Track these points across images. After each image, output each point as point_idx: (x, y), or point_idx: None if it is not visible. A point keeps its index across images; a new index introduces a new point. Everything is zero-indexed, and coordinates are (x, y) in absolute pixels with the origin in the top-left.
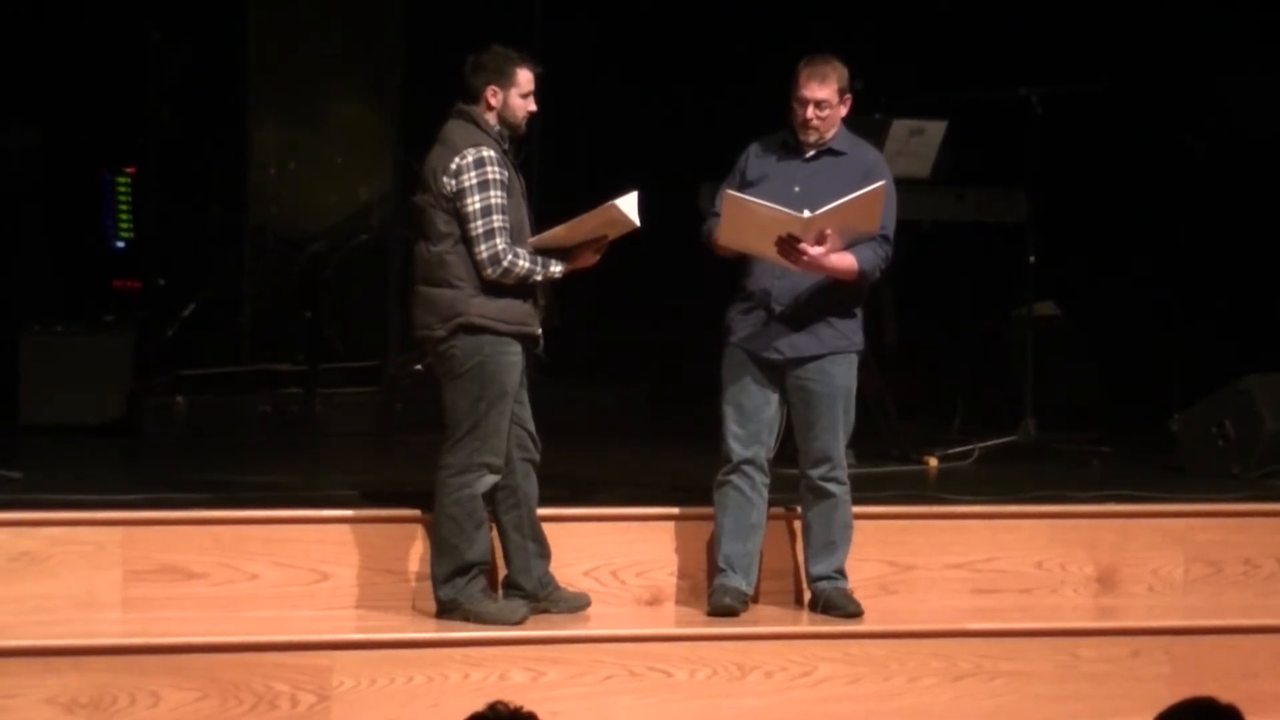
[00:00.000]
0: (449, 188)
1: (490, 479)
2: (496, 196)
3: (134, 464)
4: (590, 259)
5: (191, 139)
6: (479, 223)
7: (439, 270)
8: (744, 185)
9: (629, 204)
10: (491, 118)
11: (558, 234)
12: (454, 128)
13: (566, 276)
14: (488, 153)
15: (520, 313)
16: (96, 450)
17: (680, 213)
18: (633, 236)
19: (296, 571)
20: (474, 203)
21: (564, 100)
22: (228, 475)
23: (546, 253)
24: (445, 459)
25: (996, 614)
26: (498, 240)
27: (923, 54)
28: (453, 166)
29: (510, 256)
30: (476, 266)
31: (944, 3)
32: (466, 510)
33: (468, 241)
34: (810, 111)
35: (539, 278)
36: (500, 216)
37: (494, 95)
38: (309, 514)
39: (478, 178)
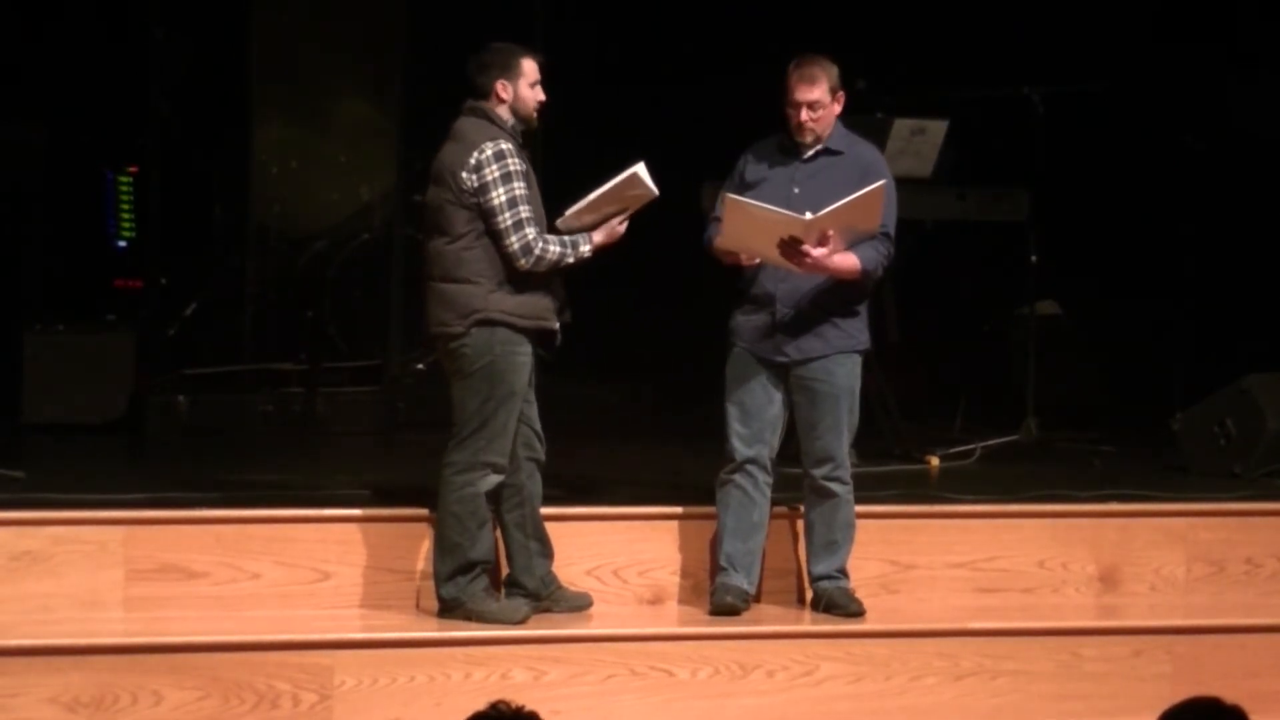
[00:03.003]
0: (470, 183)
1: (494, 478)
2: (520, 188)
3: (136, 463)
4: (616, 232)
5: (194, 137)
6: (506, 215)
7: (458, 267)
8: (743, 187)
9: (642, 172)
10: (504, 111)
11: (580, 213)
12: (468, 124)
13: (595, 254)
14: (506, 145)
15: (539, 308)
16: (98, 449)
17: (682, 212)
18: (639, 233)
19: (298, 571)
20: (499, 196)
21: (564, 98)
22: (230, 474)
23: (573, 233)
24: (450, 456)
25: (998, 613)
26: (528, 230)
27: (924, 53)
28: (472, 161)
29: (541, 244)
30: (508, 259)
31: (945, 2)
32: (470, 509)
33: (495, 235)
34: (804, 114)
35: (571, 260)
36: (526, 207)
37: (504, 89)
38: (311, 513)
39: (500, 170)
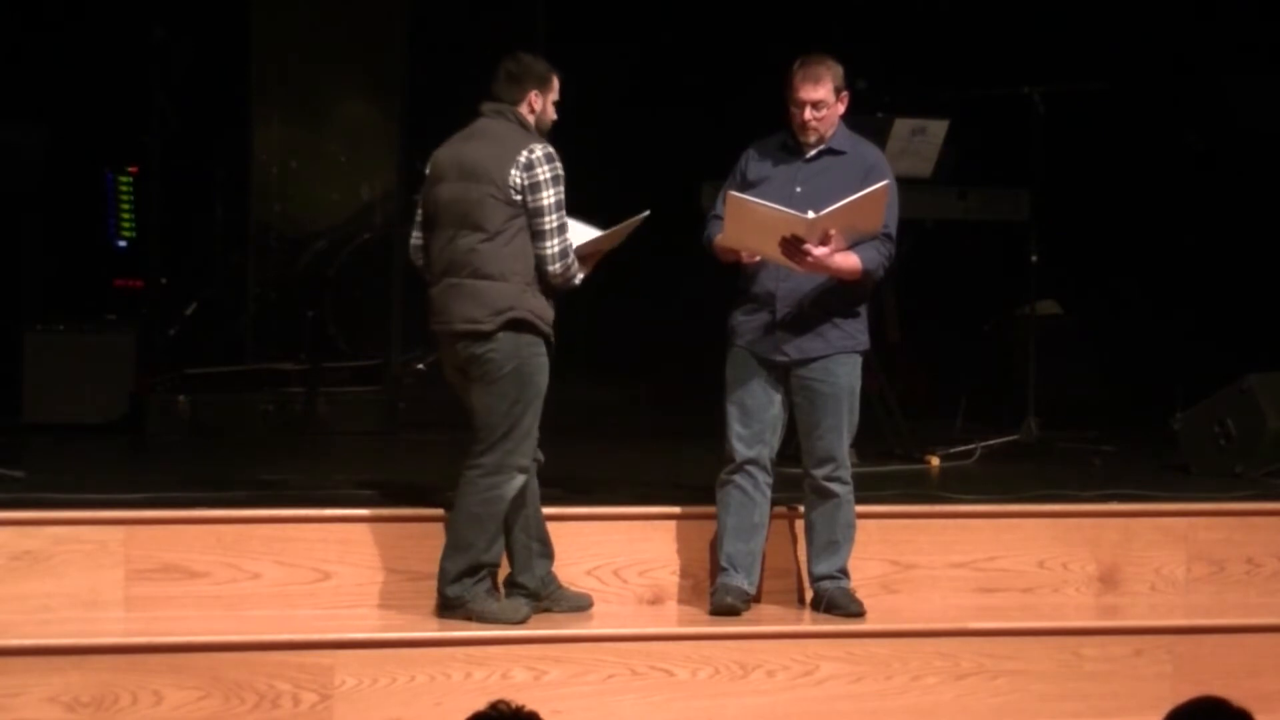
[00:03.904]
0: (519, 180)
1: (520, 480)
2: (563, 193)
3: (136, 463)
4: (591, 267)
5: (194, 137)
6: (553, 217)
7: (493, 263)
8: (745, 186)
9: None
10: (532, 120)
11: (596, 241)
12: (500, 125)
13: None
14: (551, 149)
15: (550, 312)
16: (99, 449)
17: (682, 212)
18: (639, 235)
19: (299, 570)
20: (549, 197)
21: (565, 99)
22: (230, 474)
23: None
24: (477, 459)
25: (999, 613)
26: (568, 236)
27: (925, 53)
28: (522, 160)
29: (572, 254)
30: (543, 260)
31: (946, 2)
32: (492, 511)
33: (537, 235)
34: (808, 113)
35: (576, 282)
36: (564, 213)
37: (536, 100)
38: (311, 513)
39: (551, 172)
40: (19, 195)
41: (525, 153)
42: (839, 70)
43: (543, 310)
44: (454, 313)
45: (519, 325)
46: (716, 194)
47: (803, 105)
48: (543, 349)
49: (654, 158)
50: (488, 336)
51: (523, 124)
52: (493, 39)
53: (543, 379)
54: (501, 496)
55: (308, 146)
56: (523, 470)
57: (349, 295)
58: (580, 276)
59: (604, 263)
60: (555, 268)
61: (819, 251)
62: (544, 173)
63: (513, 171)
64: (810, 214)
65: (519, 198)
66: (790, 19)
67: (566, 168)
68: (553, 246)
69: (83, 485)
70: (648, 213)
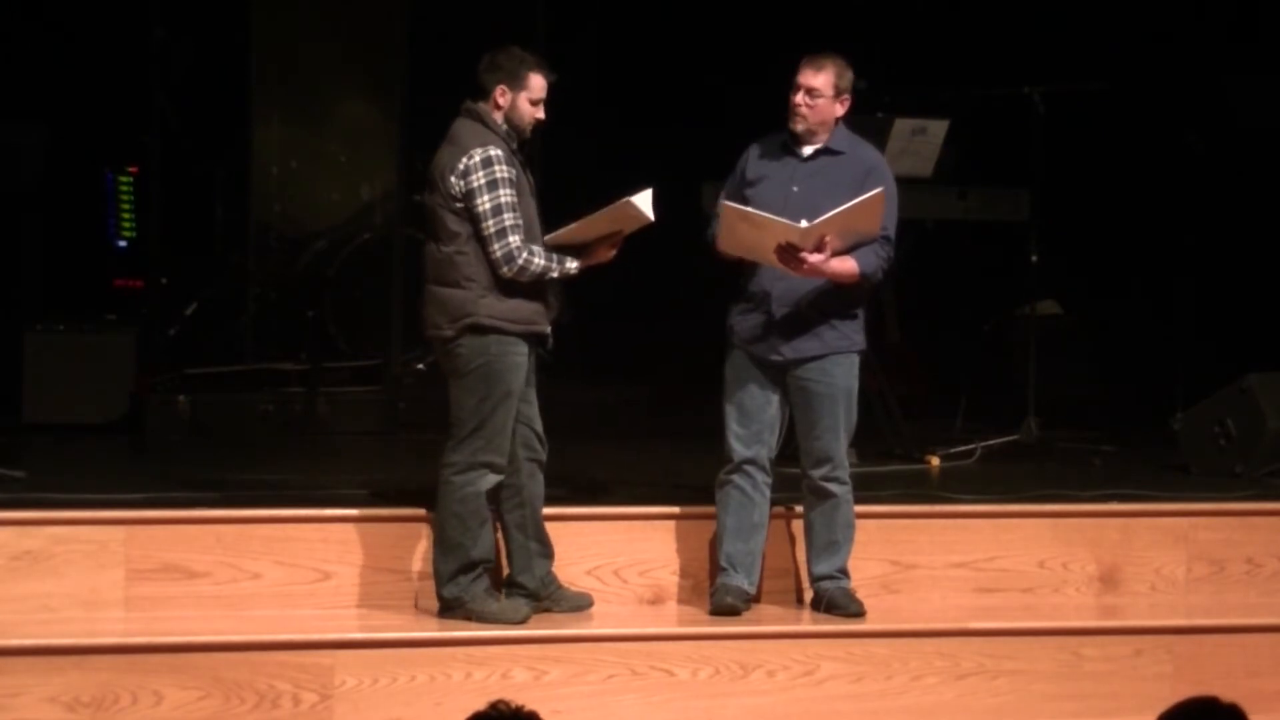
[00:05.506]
0: (457, 188)
1: (493, 478)
2: (506, 195)
3: (137, 463)
4: (606, 255)
5: (194, 137)
6: (490, 222)
7: (448, 271)
8: (744, 185)
9: (644, 200)
10: (499, 116)
11: (573, 231)
12: (462, 126)
13: (581, 273)
14: (495, 151)
15: (528, 312)
16: (99, 449)
17: (682, 212)
18: (638, 235)
19: (299, 570)
20: (484, 202)
21: (566, 99)
22: (230, 474)
23: (562, 249)
24: (449, 457)
25: (999, 613)
26: (510, 238)
27: (925, 53)
28: (460, 167)
29: (525, 254)
30: (492, 265)
31: (945, 2)
32: (471, 508)
33: (482, 241)
34: (799, 97)
35: (555, 275)
36: (511, 214)
37: (503, 95)
38: (312, 513)
39: (486, 177)
40: (19, 195)
41: (465, 159)
42: (845, 71)
43: (510, 312)
44: (424, 318)
45: (481, 329)
46: (717, 194)
47: (797, 89)
48: (516, 348)
49: (654, 158)
50: (451, 339)
51: (485, 121)
52: (493, 39)
53: (514, 378)
54: (477, 493)
55: (308, 146)
56: (494, 469)
57: (349, 295)
58: (571, 267)
59: (602, 264)
60: (504, 271)
61: (814, 258)
62: (479, 179)
63: (452, 179)
64: (803, 223)
65: (460, 205)
66: (791, 19)
67: (565, 167)
68: (496, 251)
69: (83, 485)
70: (628, 200)
